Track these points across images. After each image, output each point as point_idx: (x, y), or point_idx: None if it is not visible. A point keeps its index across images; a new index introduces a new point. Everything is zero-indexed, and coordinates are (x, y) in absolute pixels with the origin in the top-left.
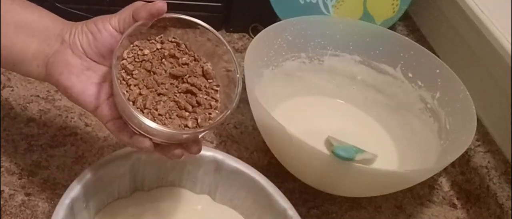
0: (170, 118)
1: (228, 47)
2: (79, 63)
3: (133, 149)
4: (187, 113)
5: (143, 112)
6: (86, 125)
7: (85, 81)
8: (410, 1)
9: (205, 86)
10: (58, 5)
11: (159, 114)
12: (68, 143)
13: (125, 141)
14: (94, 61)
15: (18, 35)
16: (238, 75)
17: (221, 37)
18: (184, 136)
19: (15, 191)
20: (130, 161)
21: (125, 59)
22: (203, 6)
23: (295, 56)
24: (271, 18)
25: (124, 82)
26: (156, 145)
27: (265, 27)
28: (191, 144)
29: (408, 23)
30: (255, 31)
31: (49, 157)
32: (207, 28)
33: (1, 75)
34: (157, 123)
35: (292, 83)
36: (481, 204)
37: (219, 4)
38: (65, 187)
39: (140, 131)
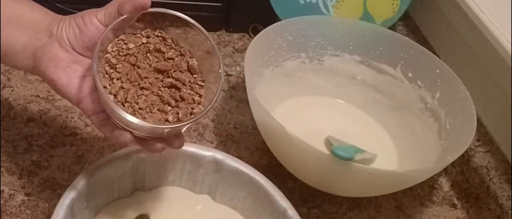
0: (150, 112)
1: (212, 42)
2: (65, 57)
3: (133, 149)
4: (169, 108)
5: (123, 106)
6: (86, 125)
7: (70, 74)
8: (410, 1)
9: (189, 81)
10: (58, 5)
11: (139, 108)
12: (68, 143)
13: (107, 135)
14: (81, 54)
15: (9, 28)
16: (220, 71)
17: (206, 32)
18: (166, 130)
19: (15, 191)
20: (130, 161)
21: (109, 52)
22: (203, 6)
23: (295, 56)
24: (271, 18)
25: (107, 76)
26: (138, 139)
27: (265, 27)
28: (173, 139)
29: (408, 23)
30: (255, 31)
31: (49, 157)
32: (192, 24)
33: (1, 75)
34: (136, 117)
35: (292, 83)
36: (481, 204)
37: (219, 4)
38: (65, 187)
39: (122, 125)
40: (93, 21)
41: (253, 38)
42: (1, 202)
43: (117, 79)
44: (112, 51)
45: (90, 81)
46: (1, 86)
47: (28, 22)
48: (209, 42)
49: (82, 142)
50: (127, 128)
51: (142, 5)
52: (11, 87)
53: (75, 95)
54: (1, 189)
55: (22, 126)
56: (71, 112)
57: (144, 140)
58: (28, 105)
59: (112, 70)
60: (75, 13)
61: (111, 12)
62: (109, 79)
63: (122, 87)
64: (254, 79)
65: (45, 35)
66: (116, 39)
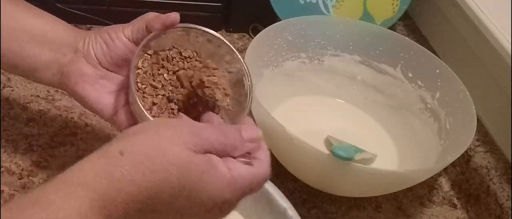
0: None
1: (238, 56)
2: (93, 72)
3: None
4: None
5: None
6: (86, 125)
7: (99, 90)
8: (410, 1)
9: (220, 99)
10: (58, 5)
11: None
12: (68, 143)
13: None
14: (108, 70)
15: (31, 44)
16: (249, 83)
17: (231, 46)
18: None
19: (15, 191)
20: None
21: (140, 68)
22: (203, 6)
23: (295, 56)
24: (271, 18)
25: (140, 91)
26: None
27: (265, 27)
28: None
29: (408, 23)
30: (255, 31)
31: (49, 157)
32: (220, 39)
33: (1, 75)
34: None
35: (292, 83)
36: (481, 204)
37: (219, 4)
38: None
39: None
40: (120, 37)
41: (253, 38)
42: (1, 202)
43: (150, 94)
44: (142, 67)
45: (120, 96)
46: (1, 86)
47: (51, 38)
48: (235, 54)
49: (82, 142)
50: None
51: (172, 22)
52: (11, 87)
53: (106, 111)
54: (1, 189)
55: (22, 126)
56: (71, 112)
57: None
58: (28, 105)
59: (144, 86)
60: (75, 13)
61: (138, 28)
62: (142, 94)
63: (154, 103)
64: (254, 79)
65: (69, 51)
66: (146, 55)
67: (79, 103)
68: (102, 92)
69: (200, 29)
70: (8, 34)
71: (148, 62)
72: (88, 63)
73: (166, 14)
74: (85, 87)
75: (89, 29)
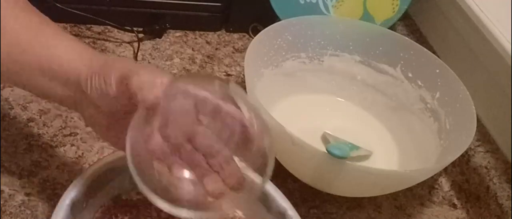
0: None
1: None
2: (103, 121)
3: None
4: None
5: None
6: (86, 125)
7: (113, 136)
8: (410, 1)
9: None
10: (58, 5)
11: None
12: (68, 143)
13: None
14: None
15: (41, 78)
16: (268, 152)
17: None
18: None
19: (15, 191)
20: None
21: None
22: (203, 6)
23: (295, 56)
24: (271, 18)
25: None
26: None
27: (265, 27)
28: None
29: (408, 23)
30: (255, 31)
31: (49, 157)
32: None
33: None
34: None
35: (292, 83)
36: (481, 204)
37: (219, 4)
38: (65, 187)
39: None
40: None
41: (253, 38)
42: (1, 202)
43: None
44: None
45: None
46: (1, 86)
47: (61, 73)
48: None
49: (82, 142)
50: None
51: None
52: (11, 87)
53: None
54: (1, 189)
55: (22, 126)
56: (71, 112)
57: None
58: (28, 105)
59: None
60: (75, 13)
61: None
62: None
63: None
64: (254, 79)
65: (75, 88)
66: None
67: None
68: (115, 138)
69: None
70: (14, 66)
71: None
72: (94, 109)
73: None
74: (102, 134)
75: (89, 29)
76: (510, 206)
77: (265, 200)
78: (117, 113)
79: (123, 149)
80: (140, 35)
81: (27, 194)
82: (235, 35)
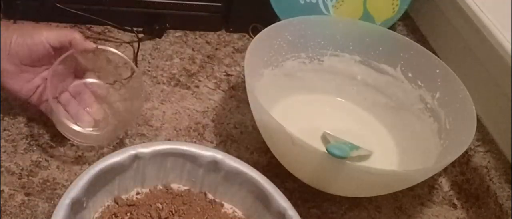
0: None
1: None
2: (15, 69)
3: (133, 149)
4: None
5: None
6: None
7: (20, 81)
8: (410, 1)
9: None
10: (58, 5)
11: None
12: (68, 143)
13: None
14: (28, 65)
15: None
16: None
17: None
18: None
19: (15, 191)
20: (130, 161)
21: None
22: (203, 6)
23: (295, 56)
24: (271, 18)
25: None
26: None
27: (265, 27)
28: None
29: (408, 23)
30: (255, 31)
31: (49, 157)
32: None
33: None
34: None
35: (292, 83)
36: (481, 204)
37: (219, 4)
38: (65, 187)
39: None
40: (43, 42)
41: (253, 38)
42: (1, 202)
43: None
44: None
45: (36, 81)
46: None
47: None
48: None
49: None
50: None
51: (91, 50)
52: None
53: (24, 95)
54: (1, 189)
55: (22, 126)
56: None
57: None
58: (28, 105)
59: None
60: (75, 13)
61: (62, 40)
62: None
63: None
64: (254, 79)
65: None
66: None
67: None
68: (22, 82)
69: (108, 50)
70: None
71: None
72: (10, 62)
73: (89, 42)
74: (9, 82)
75: (89, 29)
76: (510, 206)
77: (265, 199)
78: (32, 62)
79: (26, 95)
80: (140, 35)
81: (27, 194)
82: (235, 35)
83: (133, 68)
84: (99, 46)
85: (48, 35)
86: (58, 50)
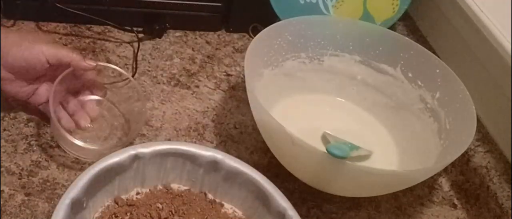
0: None
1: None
2: (10, 76)
3: (133, 149)
4: None
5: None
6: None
7: (16, 87)
8: (410, 1)
9: None
10: (58, 5)
11: None
12: (68, 143)
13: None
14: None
15: None
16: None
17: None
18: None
19: (15, 191)
20: (130, 161)
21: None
22: (203, 6)
23: (295, 56)
24: (271, 18)
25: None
26: None
27: (265, 27)
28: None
29: (408, 23)
30: (255, 31)
31: (49, 157)
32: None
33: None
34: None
35: (292, 83)
36: (481, 204)
37: (219, 4)
38: (65, 187)
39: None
40: (42, 59)
41: (253, 38)
42: (1, 202)
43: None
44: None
45: (32, 86)
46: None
47: None
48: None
49: None
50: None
51: (90, 69)
52: None
53: (22, 97)
54: (1, 189)
55: (22, 126)
56: None
57: None
58: (28, 104)
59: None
60: (75, 13)
61: (60, 58)
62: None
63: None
64: (254, 79)
65: None
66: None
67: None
68: (18, 88)
69: (108, 66)
70: None
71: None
72: (6, 70)
73: (88, 62)
74: (6, 87)
75: (89, 29)
76: (510, 206)
77: (265, 199)
78: (28, 78)
79: (23, 97)
80: (140, 35)
81: (27, 194)
82: (235, 35)
83: (138, 91)
84: (99, 63)
85: (48, 51)
86: (55, 66)
